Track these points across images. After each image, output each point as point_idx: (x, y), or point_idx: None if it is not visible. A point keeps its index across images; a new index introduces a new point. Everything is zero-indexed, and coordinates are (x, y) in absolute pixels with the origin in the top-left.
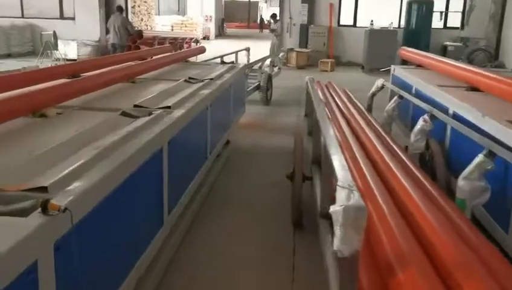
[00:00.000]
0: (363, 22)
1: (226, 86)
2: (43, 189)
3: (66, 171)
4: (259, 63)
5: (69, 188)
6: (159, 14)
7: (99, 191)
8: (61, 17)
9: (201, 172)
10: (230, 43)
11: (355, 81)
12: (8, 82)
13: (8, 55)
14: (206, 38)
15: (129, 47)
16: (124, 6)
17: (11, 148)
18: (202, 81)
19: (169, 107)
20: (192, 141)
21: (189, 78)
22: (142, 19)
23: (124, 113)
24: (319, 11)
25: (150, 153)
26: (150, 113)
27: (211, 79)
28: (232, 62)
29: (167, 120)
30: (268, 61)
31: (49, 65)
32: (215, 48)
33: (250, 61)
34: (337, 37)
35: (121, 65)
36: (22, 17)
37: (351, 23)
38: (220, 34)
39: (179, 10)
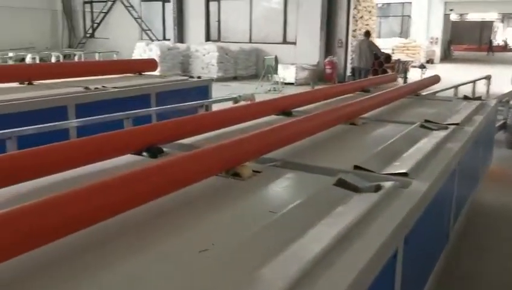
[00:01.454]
0: None
1: (477, 136)
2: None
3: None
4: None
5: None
6: (379, 37)
7: None
8: (284, 41)
9: (441, 259)
10: (458, 68)
11: None
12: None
13: (234, 78)
14: (429, 62)
15: (374, 71)
16: (345, 29)
17: None
18: (446, 127)
19: (405, 174)
20: (433, 222)
21: (426, 121)
22: None
23: (340, 183)
24: None
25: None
26: (378, 188)
27: (457, 124)
28: (479, 97)
29: (403, 200)
30: None
31: (268, 89)
32: (442, 74)
33: (491, 92)
34: None
35: (339, 98)
36: (250, 42)
37: None
38: (446, 57)
39: (401, 32)
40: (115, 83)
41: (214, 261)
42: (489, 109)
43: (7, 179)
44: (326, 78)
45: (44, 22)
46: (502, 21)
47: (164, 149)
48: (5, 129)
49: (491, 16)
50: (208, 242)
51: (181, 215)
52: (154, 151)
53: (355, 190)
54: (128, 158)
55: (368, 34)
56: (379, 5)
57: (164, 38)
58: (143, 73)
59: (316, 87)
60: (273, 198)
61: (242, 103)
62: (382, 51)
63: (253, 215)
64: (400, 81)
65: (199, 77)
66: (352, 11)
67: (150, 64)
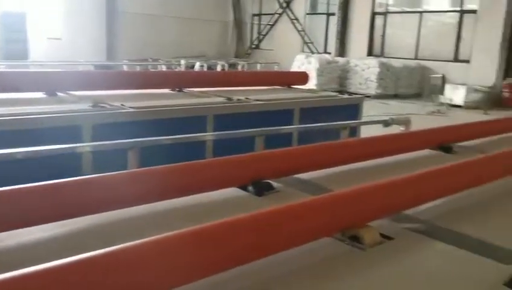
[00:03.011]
0: None
1: None
2: None
3: None
4: None
5: None
6: None
7: None
8: (455, 59)
9: None
10: None
11: None
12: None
13: (395, 96)
14: None
15: None
16: None
17: None
18: None
19: None
20: None
21: None
22: None
23: None
24: None
25: None
26: None
27: None
28: None
29: None
30: None
31: (431, 110)
32: None
33: None
34: None
35: None
36: (415, 58)
37: None
38: None
39: None
40: (259, 95)
41: None
42: None
43: None
44: (504, 104)
45: (216, 32)
46: None
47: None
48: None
49: None
50: None
51: None
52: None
53: None
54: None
55: None
56: None
57: (325, 52)
58: (293, 86)
59: (490, 113)
60: None
61: (394, 127)
62: None
63: None
64: None
65: (350, 94)
66: None
67: (301, 77)
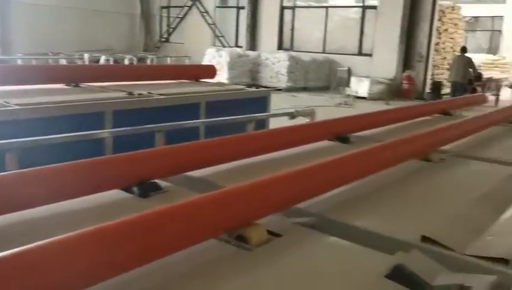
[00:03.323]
0: None
1: None
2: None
3: None
4: None
5: None
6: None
7: None
8: (359, 53)
9: None
10: None
11: None
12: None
13: (304, 89)
14: None
15: (473, 89)
16: (426, 42)
17: None
18: None
19: (505, 261)
20: None
21: None
22: (445, 57)
23: (396, 273)
24: None
25: None
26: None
27: None
28: None
29: None
30: None
31: (339, 102)
32: None
33: None
34: None
35: (412, 122)
36: (323, 52)
37: None
38: None
39: (489, 49)
40: (163, 89)
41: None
42: None
43: None
44: (403, 94)
45: (123, 25)
46: None
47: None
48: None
49: None
50: None
51: None
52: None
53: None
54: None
55: (464, 50)
56: (466, 19)
57: (236, 45)
58: (201, 80)
59: (391, 103)
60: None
61: (299, 118)
62: (477, 69)
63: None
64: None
65: (257, 87)
66: (435, 23)
67: (209, 70)
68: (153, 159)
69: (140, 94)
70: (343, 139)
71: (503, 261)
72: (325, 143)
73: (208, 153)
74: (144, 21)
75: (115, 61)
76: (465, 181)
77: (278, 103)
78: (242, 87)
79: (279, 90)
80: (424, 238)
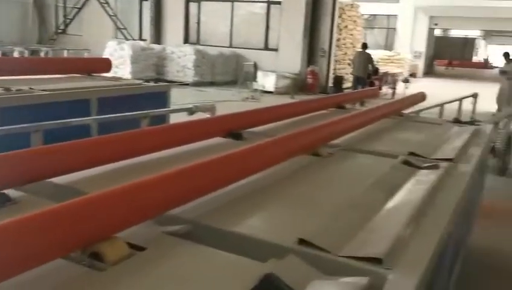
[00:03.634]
0: None
1: (474, 176)
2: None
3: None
4: (502, 118)
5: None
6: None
7: None
8: (266, 48)
9: None
10: (443, 83)
11: None
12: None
13: (212, 83)
14: (413, 76)
15: (371, 83)
16: (328, 38)
17: None
18: (436, 166)
19: (378, 260)
20: None
21: (410, 153)
22: (345, 53)
23: None
24: None
25: None
26: None
27: (450, 160)
28: (473, 121)
29: None
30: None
31: (246, 96)
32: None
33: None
34: None
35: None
36: (230, 46)
37: None
38: (428, 72)
39: (385, 45)
40: (49, 85)
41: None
42: (486, 139)
43: None
44: (308, 89)
45: (14, 15)
46: (484, 38)
47: None
48: None
49: (473, 32)
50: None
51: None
52: None
53: None
54: None
55: (365, 46)
56: (365, 16)
57: (140, 38)
58: (94, 74)
59: (296, 97)
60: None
61: (199, 114)
62: (375, 64)
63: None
64: (389, 92)
65: (156, 82)
66: (336, 20)
67: (103, 64)
68: (7, 163)
69: (19, 90)
70: (236, 135)
71: (376, 260)
72: (215, 140)
73: (75, 156)
74: (38, 10)
75: (3, 54)
76: (350, 176)
77: (184, 97)
78: (139, 82)
79: (186, 84)
80: (301, 241)
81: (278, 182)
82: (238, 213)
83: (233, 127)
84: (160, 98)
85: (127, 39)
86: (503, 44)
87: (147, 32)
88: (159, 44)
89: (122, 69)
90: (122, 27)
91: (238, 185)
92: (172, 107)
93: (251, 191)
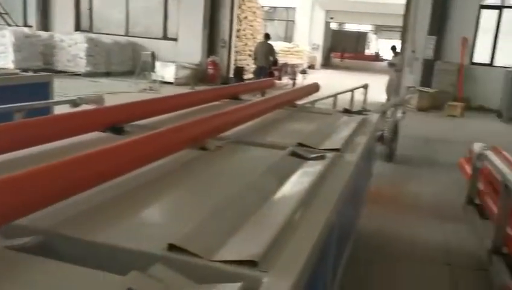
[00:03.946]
0: (502, 60)
1: (359, 165)
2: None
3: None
4: (389, 108)
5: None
6: None
7: None
8: (165, 37)
9: None
10: (339, 74)
11: (498, 135)
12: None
13: (107, 74)
14: (311, 67)
15: (270, 73)
16: (228, 29)
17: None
18: (322, 156)
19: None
20: None
21: (299, 144)
22: (246, 44)
23: None
24: (449, 45)
25: None
26: None
27: (337, 150)
28: (361, 111)
29: None
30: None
31: (143, 87)
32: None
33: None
34: (469, 77)
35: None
36: (126, 35)
37: (487, 61)
38: (326, 63)
39: (285, 37)
40: None
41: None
42: (372, 128)
43: None
44: (209, 79)
45: None
46: (375, 33)
47: None
48: None
49: (365, 27)
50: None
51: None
52: None
53: None
54: None
55: (268, 37)
56: (265, 8)
57: (25, 25)
58: None
59: (197, 88)
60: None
61: (84, 106)
62: (276, 55)
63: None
64: (290, 82)
65: (35, 72)
66: (236, 10)
67: None
68: None
69: None
70: (117, 129)
71: (252, 263)
72: (91, 135)
73: None
74: None
75: None
76: (235, 171)
77: (77, 89)
78: (16, 71)
79: (78, 75)
80: (171, 247)
81: (153, 182)
82: (102, 220)
83: (115, 120)
84: (42, 90)
85: (9, 25)
86: (391, 38)
87: (33, 18)
88: (46, 31)
89: (4, 58)
90: (3, 12)
91: (106, 186)
92: (56, 99)
93: (122, 193)
